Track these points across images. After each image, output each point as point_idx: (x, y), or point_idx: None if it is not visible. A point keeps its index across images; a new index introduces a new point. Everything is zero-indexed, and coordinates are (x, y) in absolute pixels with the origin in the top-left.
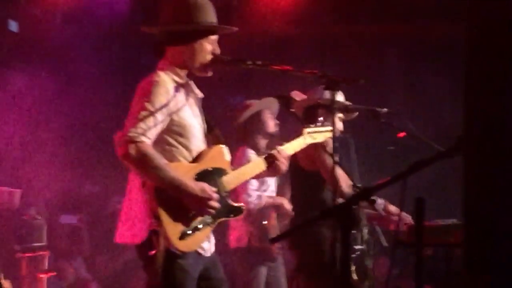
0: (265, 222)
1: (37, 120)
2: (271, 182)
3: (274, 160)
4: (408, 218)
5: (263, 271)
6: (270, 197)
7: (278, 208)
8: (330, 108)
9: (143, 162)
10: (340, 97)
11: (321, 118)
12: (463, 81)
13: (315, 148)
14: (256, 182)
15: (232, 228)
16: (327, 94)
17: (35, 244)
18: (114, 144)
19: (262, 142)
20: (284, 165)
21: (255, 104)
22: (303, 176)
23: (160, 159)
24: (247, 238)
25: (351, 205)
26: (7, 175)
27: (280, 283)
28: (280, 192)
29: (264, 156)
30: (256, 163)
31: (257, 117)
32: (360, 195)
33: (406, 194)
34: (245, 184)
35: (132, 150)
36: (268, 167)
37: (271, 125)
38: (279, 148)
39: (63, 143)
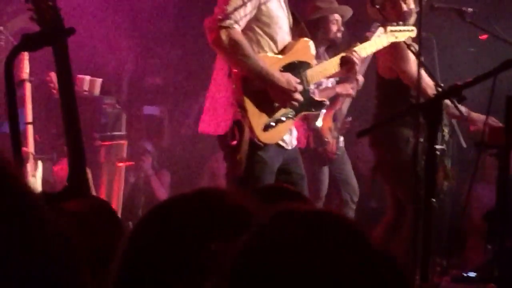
0: (320, 125)
1: (129, 10)
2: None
3: (349, 60)
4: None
5: (324, 170)
6: (325, 89)
7: (335, 102)
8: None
9: (234, 48)
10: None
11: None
12: None
13: (393, 55)
14: None
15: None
16: None
17: (114, 133)
18: (204, 29)
19: (321, 48)
20: (356, 65)
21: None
22: (384, 85)
23: (250, 48)
24: (305, 140)
25: (440, 101)
26: (89, 63)
27: (349, 176)
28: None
29: (340, 56)
30: (335, 60)
31: (322, 21)
32: (450, 92)
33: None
34: None
35: (223, 35)
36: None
37: (334, 30)
38: (353, 49)
39: (154, 36)
